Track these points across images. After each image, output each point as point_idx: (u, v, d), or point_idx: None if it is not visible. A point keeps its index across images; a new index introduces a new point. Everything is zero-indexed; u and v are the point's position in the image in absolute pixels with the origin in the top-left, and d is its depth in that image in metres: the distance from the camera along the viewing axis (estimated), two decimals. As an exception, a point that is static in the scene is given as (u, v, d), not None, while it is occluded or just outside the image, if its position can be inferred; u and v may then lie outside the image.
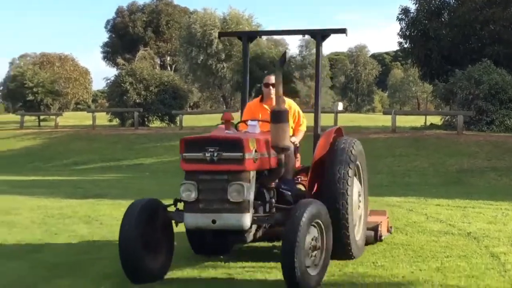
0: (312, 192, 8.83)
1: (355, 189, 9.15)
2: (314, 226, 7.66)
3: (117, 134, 35.84)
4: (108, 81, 47.59)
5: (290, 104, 9.16)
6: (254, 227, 8.04)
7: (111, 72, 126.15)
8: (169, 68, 75.42)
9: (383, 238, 10.08)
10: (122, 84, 43.88)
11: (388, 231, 10.62)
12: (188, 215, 7.73)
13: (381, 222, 10.17)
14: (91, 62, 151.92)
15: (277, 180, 8.44)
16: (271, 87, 9.22)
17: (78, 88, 66.69)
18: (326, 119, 38.59)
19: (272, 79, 9.23)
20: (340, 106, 51.66)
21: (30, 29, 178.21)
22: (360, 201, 9.45)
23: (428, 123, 40.12)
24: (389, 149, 26.92)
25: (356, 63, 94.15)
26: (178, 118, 39.76)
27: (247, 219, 7.63)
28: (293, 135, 9.21)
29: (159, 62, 78.54)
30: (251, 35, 10.45)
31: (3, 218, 13.02)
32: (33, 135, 39.19)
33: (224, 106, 55.43)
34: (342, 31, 9.51)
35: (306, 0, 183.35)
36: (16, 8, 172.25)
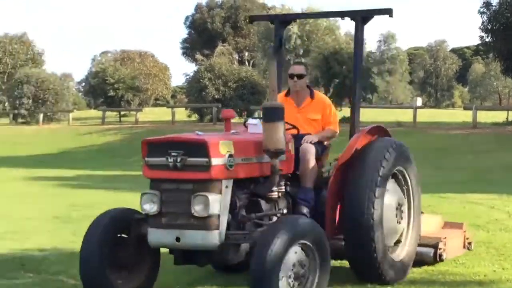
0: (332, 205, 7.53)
1: (392, 201, 7.68)
2: (301, 249, 6.36)
3: (196, 129, 36.16)
4: (187, 76, 48.38)
5: (320, 98, 8.08)
6: (245, 246, 6.64)
7: (190, 68, 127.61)
8: (247, 63, 75.68)
9: (444, 257, 8.41)
10: (201, 80, 44.33)
11: (466, 247, 9.07)
12: (151, 230, 6.60)
13: (444, 238, 8.54)
14: (171, 58, 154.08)
15: (277, 187, 7.11)
16: (295, 78, 7.93)
17: (157, 84, 67.63)
18: (404, 115, 38.23)
19: (296, 69, 7.98)
20: (419, 102, 51.11)
21: (111, 26, 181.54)
22: (402, 213, 7.86)
23: (510, 119, 39.33)
24: (470, 145, 26.51)
25: (435, 58, 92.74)
26: (256, 114, 39.96)
27: (214, 238, 6.36)
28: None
29: (237, 57, 78.87)
30: (284, 19, 9.08)
31: (87, 212, 13.29)
32: (114, 131, 39.96)
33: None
34: (387, 11, 8.12)
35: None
36: (97, 6, 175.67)
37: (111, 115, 52.15)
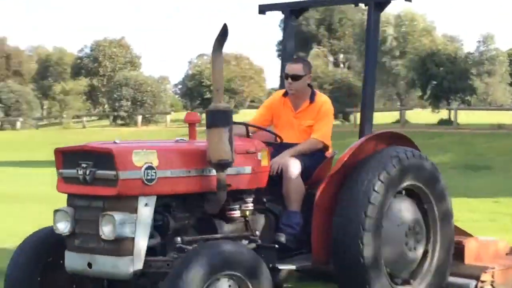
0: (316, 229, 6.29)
1: (401, 223, 6.43)
2: (234, 281, 5.35)
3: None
4: (283, 79, 48.32)
5: (320, 102, 6.83)
6: None
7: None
8: (342, 65, 75.40)
9: None
10: (296, 82, 44.41)
11: None
12: (66, 253, 5.68)
13: (493, 268, 7.14)
14: (266, 61, 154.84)
15: (242, 205, 6.11)
16: (290, 80, 6.77)
17: (253, 86, 68.02)
18: (505, 117, 37.15)
19: (291, 68, 6.82)
20: (520, 103, 49.68)
21: (206, 29, 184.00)
22: (417, 235, 6.56)
23: None
24: None
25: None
26: (352, 116, 39.81)
27: (126, 265, 5.36)
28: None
29: (332, 60, 78.67)
30: (295, 7, 7.68)
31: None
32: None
33: (399, 103, 54.90)
34: None
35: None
36: (192, 11, 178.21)
37: (208, 117, 52.72)
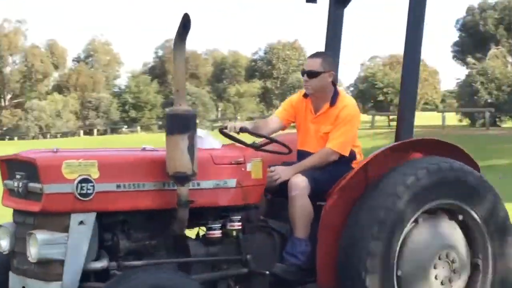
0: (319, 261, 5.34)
1: (427, 248, 5.34)
2: None
3: (468, 134, 35.36)
4: (458, 80, 47.37)
5: (341, 105, 5.76)
6: None
7: (461, 71, 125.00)
8: (521, 66, 72.70)
9: None
10: (473, 84, 43.34)
11: None
12: (9, 274, 5.01)
13: None
14: (441, 62, 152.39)
15: (228, 223, 5.26)
16: (305, 76, 5.76)
17: (427, 89, 66.87)
18: None
19: (308, 64, 5.81)
20: None
21: (378, 32, 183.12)
22: (453, 264, 5.39)
23: None
24: None
25: None
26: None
27: None
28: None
29: (511, 60, 76.10)
30: None
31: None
32: (383, 135, 39.98)
33: None
34: None
35: None
36: (367, 12, 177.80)
37: (381, 119, 52.36)
